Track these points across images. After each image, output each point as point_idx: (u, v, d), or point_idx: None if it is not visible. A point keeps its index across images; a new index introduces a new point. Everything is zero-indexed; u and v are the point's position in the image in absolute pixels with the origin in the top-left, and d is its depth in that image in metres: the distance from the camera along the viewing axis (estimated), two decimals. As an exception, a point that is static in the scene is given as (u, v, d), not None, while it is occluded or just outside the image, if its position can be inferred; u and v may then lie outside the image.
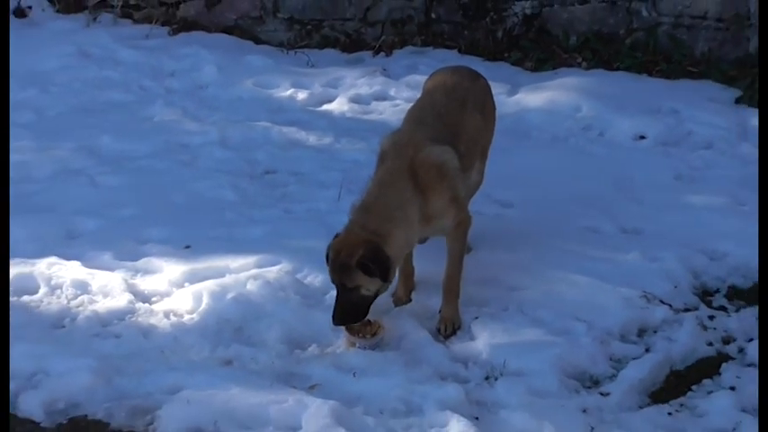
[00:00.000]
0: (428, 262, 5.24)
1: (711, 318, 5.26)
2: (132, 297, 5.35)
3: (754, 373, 4.79)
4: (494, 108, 5.76)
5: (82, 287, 5.43)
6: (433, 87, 5.61)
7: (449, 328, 5.09)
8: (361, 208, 4.91)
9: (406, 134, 5.22)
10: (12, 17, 9.07)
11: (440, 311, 5.15)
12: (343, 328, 4.93)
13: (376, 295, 4.87)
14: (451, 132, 5.22)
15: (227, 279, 5.38)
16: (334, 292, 5.19)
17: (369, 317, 4.93)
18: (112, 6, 9.26)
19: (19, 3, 9.17)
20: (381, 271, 4.76)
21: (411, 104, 5.73)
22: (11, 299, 5.39)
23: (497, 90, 6.74)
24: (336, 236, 4.90)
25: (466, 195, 5.30)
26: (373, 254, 4.72)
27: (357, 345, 4.92)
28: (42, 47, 8.65)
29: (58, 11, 9.25)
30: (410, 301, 5.21)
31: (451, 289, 5.15)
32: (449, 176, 5.03)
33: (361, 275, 4.75)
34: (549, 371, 4.74)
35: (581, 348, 4.91)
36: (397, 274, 5.06)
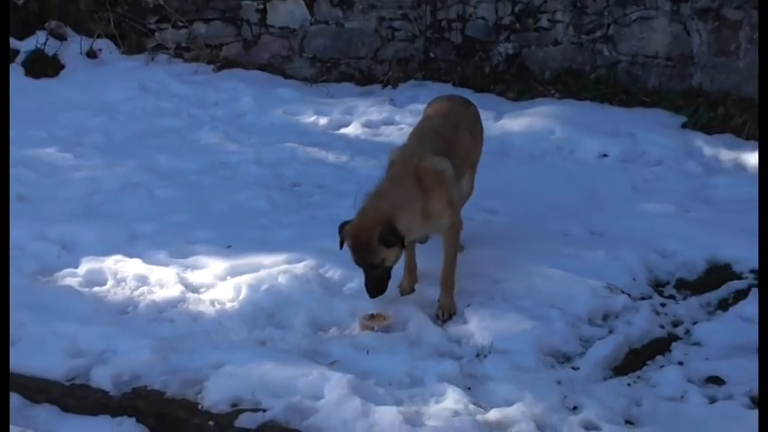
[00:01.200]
0: (428, 260, 5.26)
1: (663, 305, 5.29)
2: (183, 288, 5.41)
3: (698, 351, 4.85)
4: (482, 130, 5.82)
5: (142, 280, 5.50)
6: (433, 112, 5.69)
7: (445, 314, 5.11)
8: (375, 195, 4.96)
9: (412, 147, 5.30)
10: (85, 57, 9.13)
11: (438, 300, 5.16)
12: (358, 318, 4.97)
13: (395, 263, 4.92)
14: (447, 147, 5.27)
15: (262, 273, 5.43)
16: (351, 284, 5.27)
17: (379, 310, 4.98)
18: (167, 48, 9.30)
19: (91, 46, 9.22)
20: (399, 240, 4.79)
21: (413, 127, 5.77)
22: (83, 290, 5.45)
23: (485, 116, 6.74)
24: (344, 224, 4.91)
25: (459, 201, 5.32)
26: (389, 228, 4.75)
27: (375, 329, 4.94)
28: (110, 82, 8.71)
29: (123, 52, 9.29)
30: (413, 291, 5.24)
31: (447, 281, 5.16)
32: (446, 182, 5.09)
33: (384, 250, 4.79)
34: (529, 349, 4.78)
35: (555, 331, 4.95)
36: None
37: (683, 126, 7.55)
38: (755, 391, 4.43)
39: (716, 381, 4.60)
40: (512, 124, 7.57)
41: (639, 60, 8.04)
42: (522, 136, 7.40)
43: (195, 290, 5.41)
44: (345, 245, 4.92)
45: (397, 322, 5.00)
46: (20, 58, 9.01)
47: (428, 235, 5.47)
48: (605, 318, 5.12)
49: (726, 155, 7.10)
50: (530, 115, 7.69)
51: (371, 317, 4.98)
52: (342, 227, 4.93)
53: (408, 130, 7.07)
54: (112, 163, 7.18)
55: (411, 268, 5.39)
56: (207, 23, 9.23)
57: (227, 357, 4.65)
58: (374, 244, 4.77)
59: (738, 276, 5.50)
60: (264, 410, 4.30)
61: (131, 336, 4.87)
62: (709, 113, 7.55)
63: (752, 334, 4.88)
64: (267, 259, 5.58)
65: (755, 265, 5.51)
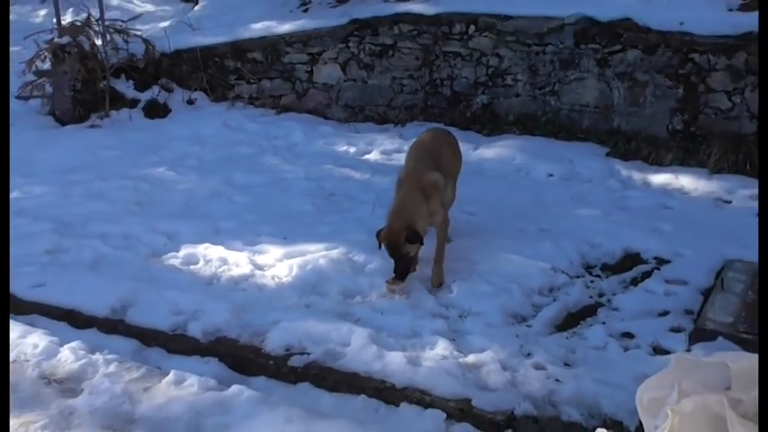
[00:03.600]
0: (423, 250, 5.24)
1: (592, 282, 5.24)
2: (253, 267, 5.40)
3: (616, 314, 4.83)
4: (459, 151, 5.77)
5: (223, 261, 5.49)
6: (424, 138, 5.67)
7: (437, 283, 5.11)
8: (397, 209, 5.02)
9: (413, 166, 5.30)
10: (185, 104, 9.15)
11: (432, 274, 5.16)
12: (384, 284, 5.01)
13: (417, 252, 5.01)
14: (437, 164, 5.29)
15: (308, 257, 5.40)
16: (371, 265, 5.29)
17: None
18: (243, 98, 9.30)
19: (190, 96, 9.22)
20: (419, 239, 4.88)
21: (410, 149, 5.70)
22: (182, 268, 5.45)
23: (467, 147, 6.78)
24: (379, 231, 4.98)
25: (447, 203, 5.37)
26: (412, 231, 4.84)
27: (396, 290, 4.97)
28: (202, 121, 8.72)
29: (212, 100, 9.28)
30: (415, 270, 5.21)
31: (439, 261, 5.17)
32: (439, 189, 5.14)
33: (408, 246, 4.88)
34: (496, 312, 4.76)
35: (515, 299, 4.92)
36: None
37: (607, 155, 7.48)
38: (657, 342, 4.41)
39: (628, 335, 4.57)
40: (485, 153, 7.54)
41: (576, 108, 8.00)
42: (492, 161, 7.37)
43: (261, 268, 5.39)
44: (382, 246, 4.97)
45: (406, 290, 5.01)
46: (141, 105, 9.03)
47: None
48: (551, 290, 5.09)
49: (637, 175, 7.05)
50: (498, 147, 7.66)
51: (393, 281, 4.99)
52: (378, 233, 4.99)
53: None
54: (203, 178, 7.18)
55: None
56: (271, 80, 9.22)
57: (283, 316, 4.66)
58: (402, 243, 4.86)
59: (645, 262, 5.44)
60: (308, 353, 4.32)
61: (216, 300, 4.88)
62: (625, 146, 7.50)
63: (654, 302, 4.89)
64: (312, 247, 5.56)
65: (658, 253, 5.50)
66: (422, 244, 4.97)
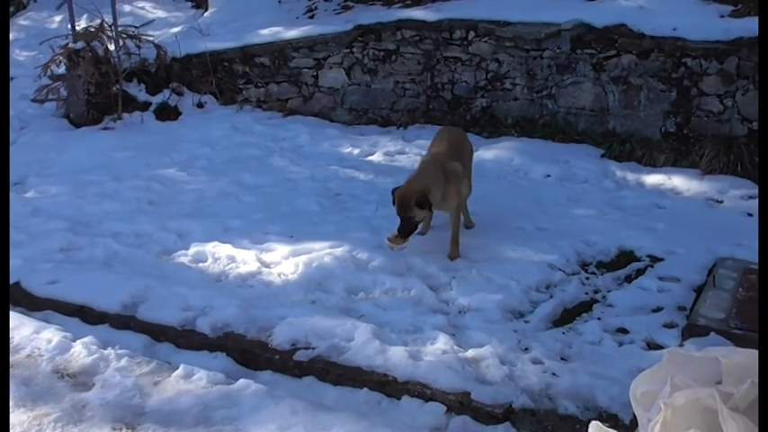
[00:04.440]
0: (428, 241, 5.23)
1: (587, 279, 5.22)
2: (260, 264, 5.38)
3: (611, 311, 4.80)
4: (472, 148, 5.99)
5: (232, 259, 5.47)
6: (445, 135, 5.88)
7: (454, 257, 5.30)
8: (418, 174, 5.28)
9: (438, 154, 5.51)
10: (195, 107, 9.14)
11: (449, 250, 5.35)
12: (387, 240, 5.18)
13: (421, 220, 5.22)
14: (459, 157, 5.50)
15: (313, 254, 5.38)
16: (375, 263, 5.27)
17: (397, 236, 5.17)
18: (251, 101, 9.28)
19: (200, 99, 9.20)
20: (429, 205, 5.09)
21: (431, 144, 5.88)
22: (191, 265, 5.44)
23: (466, 149, 6.74)
24: (395, 188, 5.19)
25: (465, 194, 5.57)
26: (423, 196, 5.02)
27: (395, 248, 5.13)
28: (212, 124, 8.70)
29: (221, 104, 9.25)
30: (423, 233, 5.49)
31: (454, 240, 5.35)
32: (459, 179, 5.35)
33: (416, 209, 5.04)
34: (495, 308, 4.75)
35: (513, 296, 4.90)
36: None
37: (602, 156, 7.45)
38: (650, 338, 4.40)
39: (623, 331, 4.55)
40: (485, 154, 7.51)
41: (572, 111, 7.97)
42: (492, 162, 7.35)
43: (268, 266, 5.38)
44: (395, 201, 5.14)
45: (407, 246, 5.19)
46: (152, 108, 9.01)
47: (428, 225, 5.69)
48: (547, 287, 5.06)
49: (631, 176, 7.03)
50: (497, 148, 7.63)
51: (395, 238, 5.10)
52: (394, 190, 5.19)
53: (415, 158, 7.15)
54: (213, 179, 7.16)
55: (426, 224, 5.68)
56: (278, 84, 9.20)
57: (289, 312, 4.64)
58: (412, 205, 5.02)
59: (639, 259, 5.42)
60: (313, 348, 4.30)
61: (224, 296, 4.87)
62: (619, 148, 7.47)
63: (648, 299, 4.87)
64: (317, 245, 5.54)
65: (651, 251, 5.47)
66: (430, 212, 5.14)
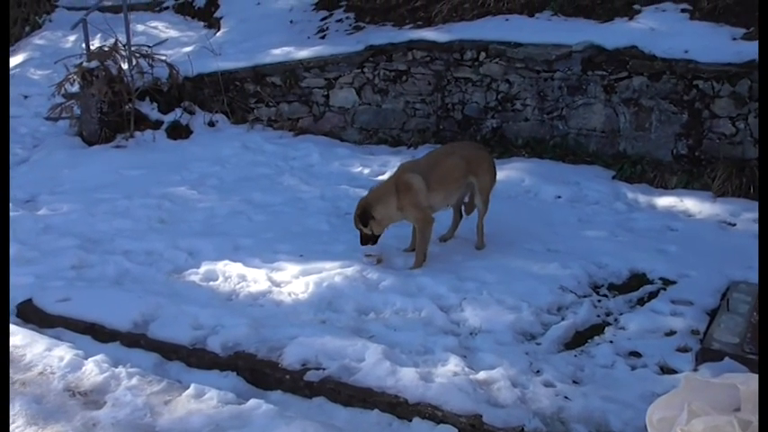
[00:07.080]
0: (445, 259, 5.20)
1: (599, 301, 5.19)
2: (270, 283, 5.38)
3: (623, 333, 4.75)
4: (489, 167, 5.95)
5: (242, 277, 5.47)
6: (445, 147, 6.45)
7: (415, 268, 5.54)
8: (372, 190, 5.65)
9: (403, 167, 5.78)
10: (207, 126, 9.19)
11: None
12: (364, 252, 5.62)
13: (373, 234, 5.54)
14: (430, 169, 5.63)
15: (324, 274, 5.38)
16: (385, 283, 5.28)
17: (378, 254, 5.62)
18: (262, 120, 9.33)
19: (211, 118, 9.26)
20: (367, 222, 5.46)
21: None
22: (202, 284, 5.44)
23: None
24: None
25: (429, 207, 5.57)
26: (363, 212, 5.48)
27: (366, 260, 5.54)
28: (223, 143, 8.75)
29: (232, 123, 9.31)
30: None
31: (419, 251, 5.58)
32: (412, 190, 5.48)
33: (360, 223, 5.53)
34: (506, 330, 4.72)
35: (524, 318, 4.87)
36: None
37: (613, 178, 7.45)
38: (664, 361, 4.36)
39: (635, 354, 4.51)
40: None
41: (583, 132, 7.98)
42: (502, 183, 7.28)
43: (278, 285, 5.37)
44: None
45: (385, 260, 5.57)
46: (164, 126, 9.07)
47: (448, 204, 5.84)
48: (559, 309, 5.04)
49: (642, 198, 7.02)
50: (508, 169, 7.63)
51: (370, 255, 5.55)
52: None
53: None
54: (224, 197, 7.19)
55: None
56: (289, 104, 9.26)
57: (299, 332, 4.62)
58: (357, 220, 5.51)
59: (651, 282, 5.39)
60: (324, 369, 4.27)
61: (234, 316, 4.85)
62: (631, 169, 7.46)
63: (661, 322, 4.83)
64: (327, 264, 5.54)
65: (663, 274, 5.45)
66: (370, 229, 5.44)
